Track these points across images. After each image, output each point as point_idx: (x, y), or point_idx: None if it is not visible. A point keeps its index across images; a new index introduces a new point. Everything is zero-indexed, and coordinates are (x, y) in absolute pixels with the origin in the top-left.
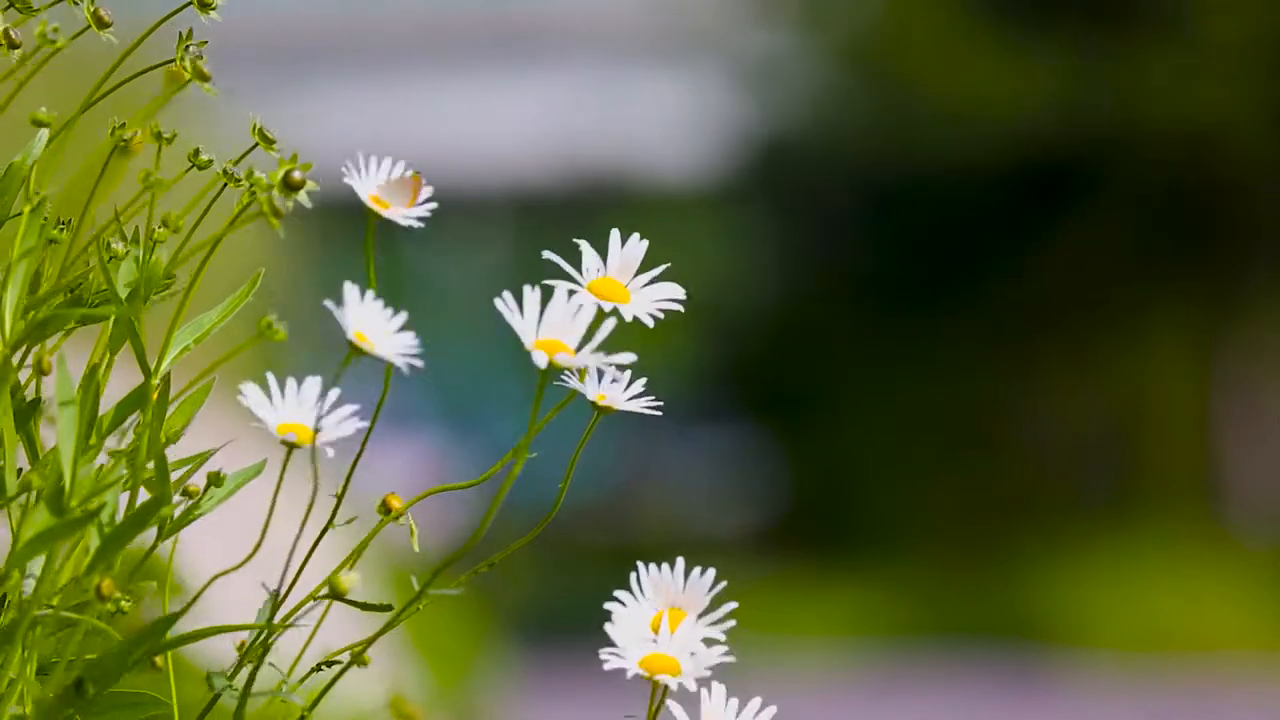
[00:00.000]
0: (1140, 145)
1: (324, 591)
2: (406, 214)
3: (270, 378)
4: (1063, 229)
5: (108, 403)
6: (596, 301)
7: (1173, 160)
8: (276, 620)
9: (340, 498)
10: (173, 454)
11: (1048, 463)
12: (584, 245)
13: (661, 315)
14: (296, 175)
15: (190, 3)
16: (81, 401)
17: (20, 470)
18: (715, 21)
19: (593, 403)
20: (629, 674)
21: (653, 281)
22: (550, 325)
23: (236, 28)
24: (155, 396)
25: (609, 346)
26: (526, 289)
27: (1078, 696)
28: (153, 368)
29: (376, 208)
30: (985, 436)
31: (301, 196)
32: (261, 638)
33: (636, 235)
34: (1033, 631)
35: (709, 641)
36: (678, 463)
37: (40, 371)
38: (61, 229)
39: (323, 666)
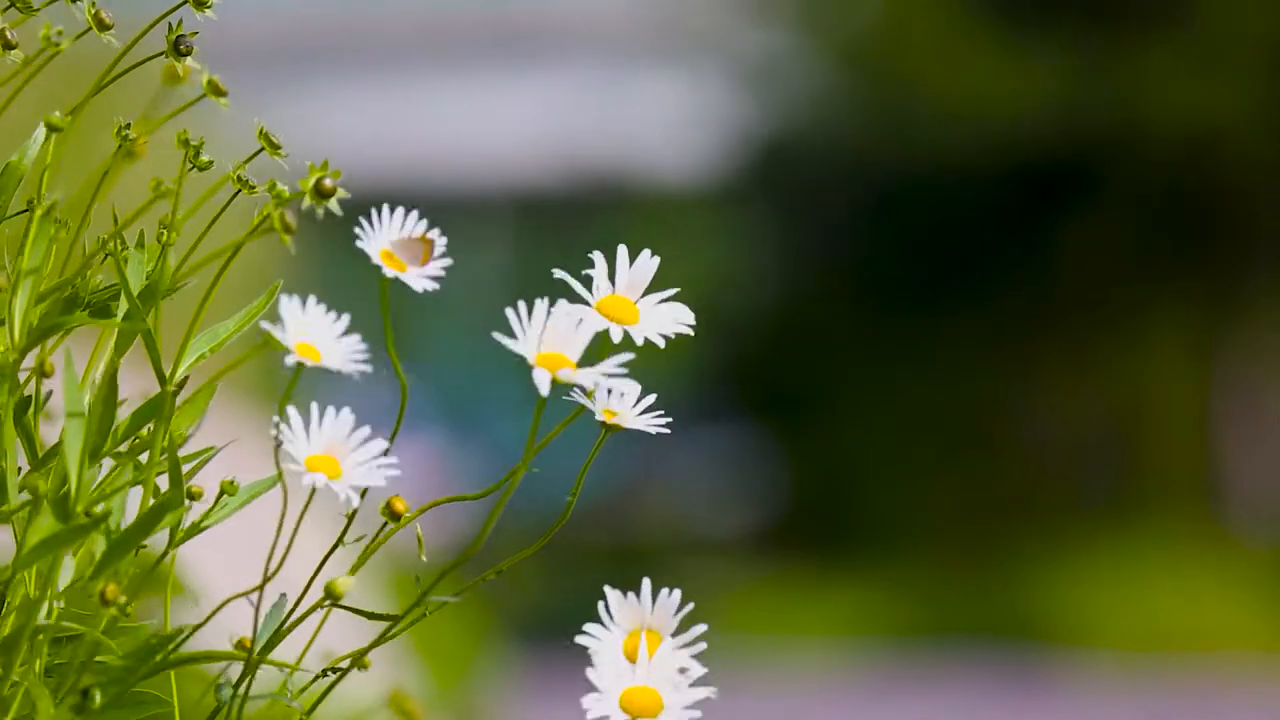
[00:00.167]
0: (1140, 145)
1: (323, 596)
2: (420, 274)
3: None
4: (1063, 229)
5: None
6: (606, 324)
7: (1173, 160)
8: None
9: (351, 518)
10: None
11: (1048, 463)
12: (597, 260)
13: (671, 337)
14: (328, 183)
15: (185, 1)
16: (95, 408)
17: (20, 470)
18: (715, 21)
19: (601, 421)
20: None
21: (664, 301)
22: (552, 338)
23: (237, 28)
24: (169, 403)
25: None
26: (524, 304)
27: (1078, 696)
28: (167, 374)
29: (388, 269)
30: (985, 436)
31: (332, 204)
32: (265, 644)
33: (648, 252)
34: (1033, 631)
35: (685, 670)
36: (678, 463)
37: (42, 374)
38: (59, 228)
39: (327, 673)
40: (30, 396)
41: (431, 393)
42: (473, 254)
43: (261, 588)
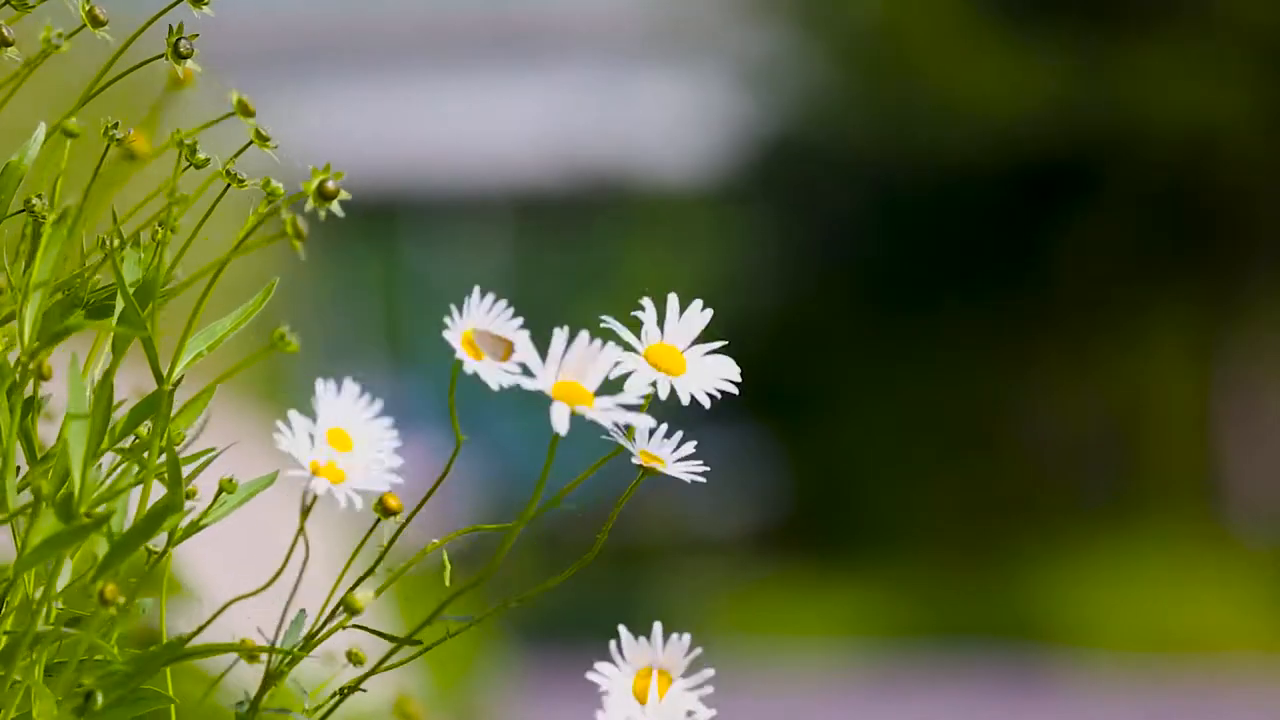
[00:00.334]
0: (1141, 145)
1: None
2: (495, 368)
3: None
4: (1063, 229)
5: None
6: (655, 375)
7: (1173, 160)
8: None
9: (386, 549)
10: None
11: (1048, 463)
12: (647, 306)
13: (717, 395)
14: (331, 185)
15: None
16: (93, 408)
17: (19, 470)
18: (715, 21)
19: (640, 465)
20: None
21: (710, 354)
22: (569, 368)
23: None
24: (167, 403)
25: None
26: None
27: (1078, 696)
28: (165, 374)
29: (465, 355)
30: (985, 436)
31: (334, 206)
32: (281, 660)
33: (700, 303)
34: (1033, 631)
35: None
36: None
37: (40, 375)
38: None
39: (343, 692)
40: (29, 397)
41: (431, 393)
42: (473, 254)
43: (266, 588)
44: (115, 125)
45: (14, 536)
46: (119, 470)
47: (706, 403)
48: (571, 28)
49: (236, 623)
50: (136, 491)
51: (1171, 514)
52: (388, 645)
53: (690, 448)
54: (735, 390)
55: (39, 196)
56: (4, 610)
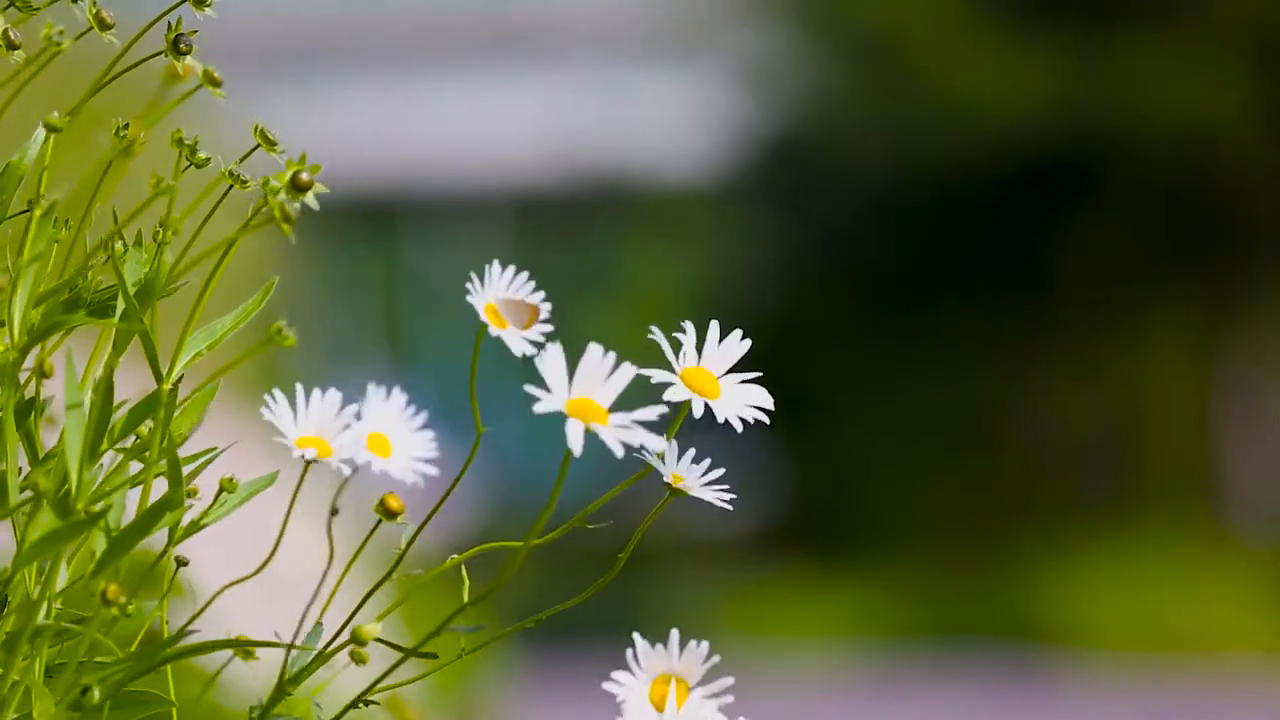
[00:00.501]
0: (1141, 145)
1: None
2: (520, 335)
3: (282, 391)
4: (1063, 228)
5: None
6: (689, 395)
7: (1174, 160)
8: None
9: (400, 557)
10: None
11: (1048, 463)
12: (688, 330)
13: (751, 421)
14: (304, 176)
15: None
16: (93, 406)
17: (20, 470)
18: (715, 21)
19: (667, 484)
20: None
21: (745, 382)
22: (582, 384)
23: (237, 27)
24: (167, 401)
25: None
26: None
27: (1078, 696)
28: (164, 372)
29: (490, 323)
30: (985, 436)
31: (309, 199)
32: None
33: (739, 333)
34: (1033, 631)
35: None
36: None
37: (42, 374)
38: (59, 227)
39: (361, 704)
40: (32, 399)
41: (431, 392)
42: (473, 254)
43: (256, 574)
44: (126, 125)
45: (14, 534)
46: (117, 466)
47: (740, 426)
48: (571, 28)
49: (239, 624)
50: (137, 493)
51: (1171, 514)
52: (386, 644)
53: (718, 473)
54: (767, 419)
55: (41, 196)
56: (4, 608)
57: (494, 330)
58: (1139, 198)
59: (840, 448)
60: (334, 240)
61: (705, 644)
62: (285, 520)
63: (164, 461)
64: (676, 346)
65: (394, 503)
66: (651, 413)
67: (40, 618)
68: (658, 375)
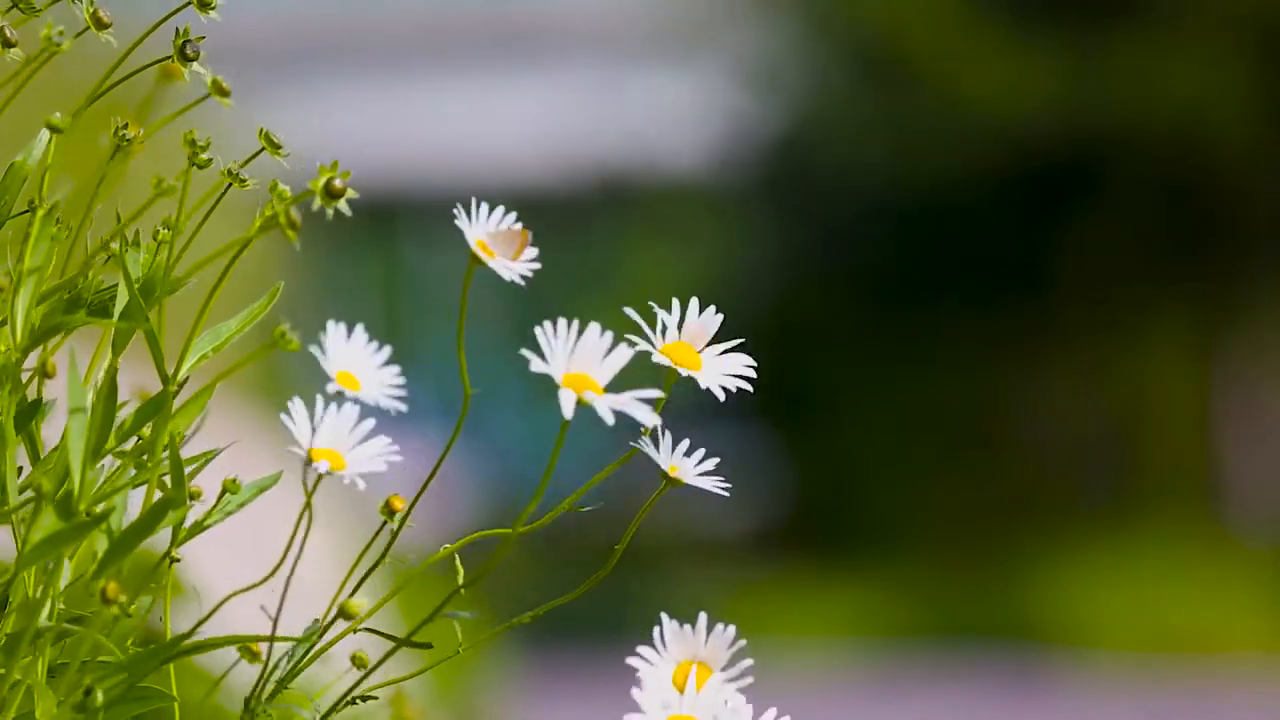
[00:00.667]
0: (1141, 145)
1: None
2: (510, 266)
3: (280, 391)
4: (1064, 228)
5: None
6: (669, 363)
7: (1174, 160)
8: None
9: (389, 545)
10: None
11: (1048, 463)
12: (661, 310)
13: (733, 389)
14: (338, 184)
15: (190, 2)
16: (95, 407)
17: (20, 470)
18: (716, 20)
19: (663, 473)
20: None
21: (726, 352)
22: (579, 359)
23: (238, 28)
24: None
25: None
26: (551, 326)
27: (1078, 696)
28: (170, 375)
29: (481, 254)
30: (985, 436)
31: (341, 205)
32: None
33: (713, 308)
34: (1033, 631)
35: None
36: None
37: (44, 374)
38: (60, 227)
39: (356, 701)
40: (34, 400)
41: (431, 392)
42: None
43: (264, 582)
44: (125, 125)
45: (14, 535)
46: (118, 468)
47: (722, 396)
48: (571, 28)
49: (239, 622)
50: (139, 494)
51: (1171, 514)
52: (389, 644)
53: (713, 463)
54: (750, 386)
55: (43, 197)
56: (6, 609)
57: (484, 257)
58: (1139, 198)
59: (840, 448)
60: (334, 240)
61: (732, 628)
62: (295, 529)
63: (167, 462)
64: (653, 322)
65: (398, 504)
66: (650, 392)
67: (42, 619)
68: (639, 346)
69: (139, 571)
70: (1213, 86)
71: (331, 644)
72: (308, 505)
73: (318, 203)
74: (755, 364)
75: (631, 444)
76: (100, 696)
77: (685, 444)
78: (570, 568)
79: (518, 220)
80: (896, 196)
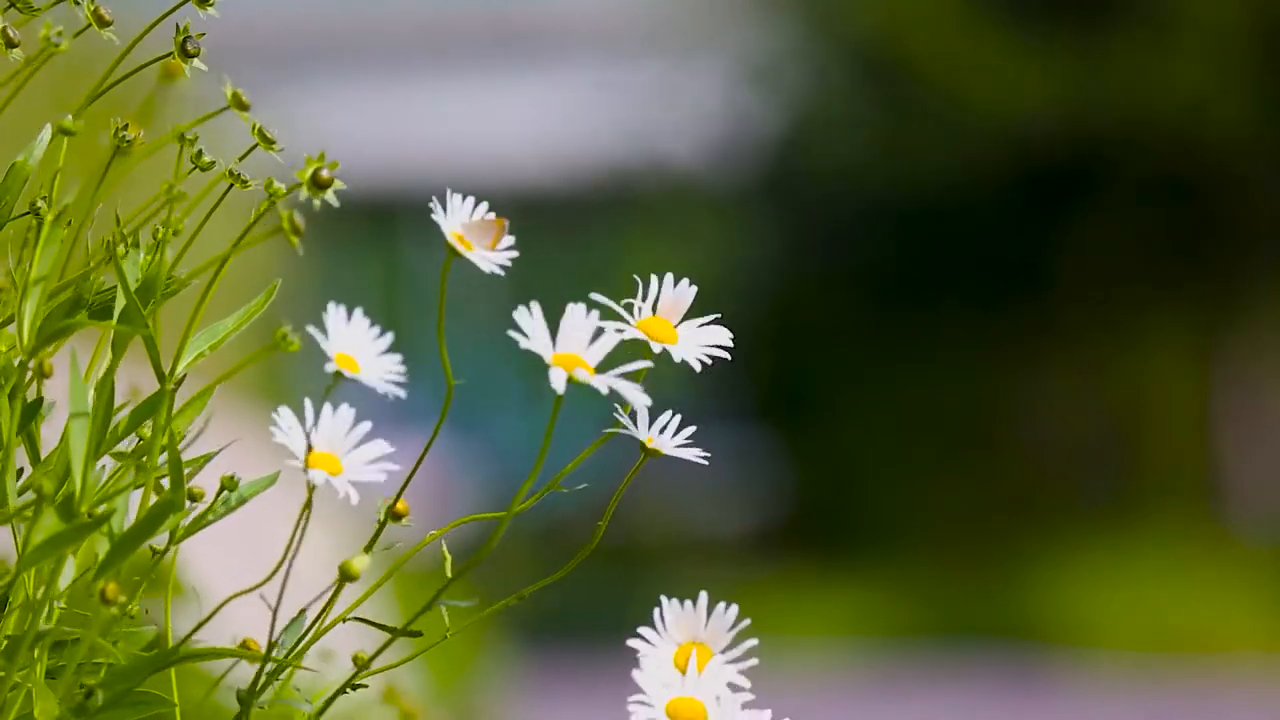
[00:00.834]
0: (1141, 145)
1: (345, 601)
2: (488, 257)
3: (281, 391)
4: (1064, 228)
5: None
6: (645, 337)
7: (1174, 161)
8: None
9: (379, 531)
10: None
11: (1048, 463)
12: (637, 284)
13: (709, 361)
14: (325, 174)
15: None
16: (95, 407)
17: (20, 471)
18: (716, 20)
19: (642, 444)
20: None
21: (703, 325)
22: (566, 340)
23: (238, 27)
24: (169, 402)
25: (620, 360)
26: (536, 307)
27: (1078, 696)
28: (166, 374)
29: (459, 246)
30: (985, 436)
31: (329, 196)
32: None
33: (686, 280)
34: (1033, 631)
35: (734, 686)
36: (679, 462)
37: (42, 374)
38: (66, 231)
39: (348, 689)
40: (35, 400)
41: (431, 392)
42: None
43: (264, 584)
44: (125, 126)
45: (14, 537)
46: (120, 469)
47: (698, 367)
48: (571, 28)
49: (239, 623)
50: (139, 494)
51: (1171, 514)
52: (384, 638)
53: (690, 430)
54: (727, 355)
55: (44, 199)
56: (6, 610)
57: (461, 250)
58: (1139, 198)
59: (840, 448)
60: (334, 240)
61: (734, 608)
62: (295, 530)
63: (165, 463)
64: (629, 306)
65: (399, 505)
66: (636, 365)
67: (42, 621)
68: (612, 323)
69: (137, 571)
70: (1213, 86)
71: (325, 630)
72: (307, 505)
73: (304, 194)
74: (742, 356)
75: (615, 418)
76: (100, 698)
77: (665, 416)
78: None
79: (490, 210)
80: (896, 196)
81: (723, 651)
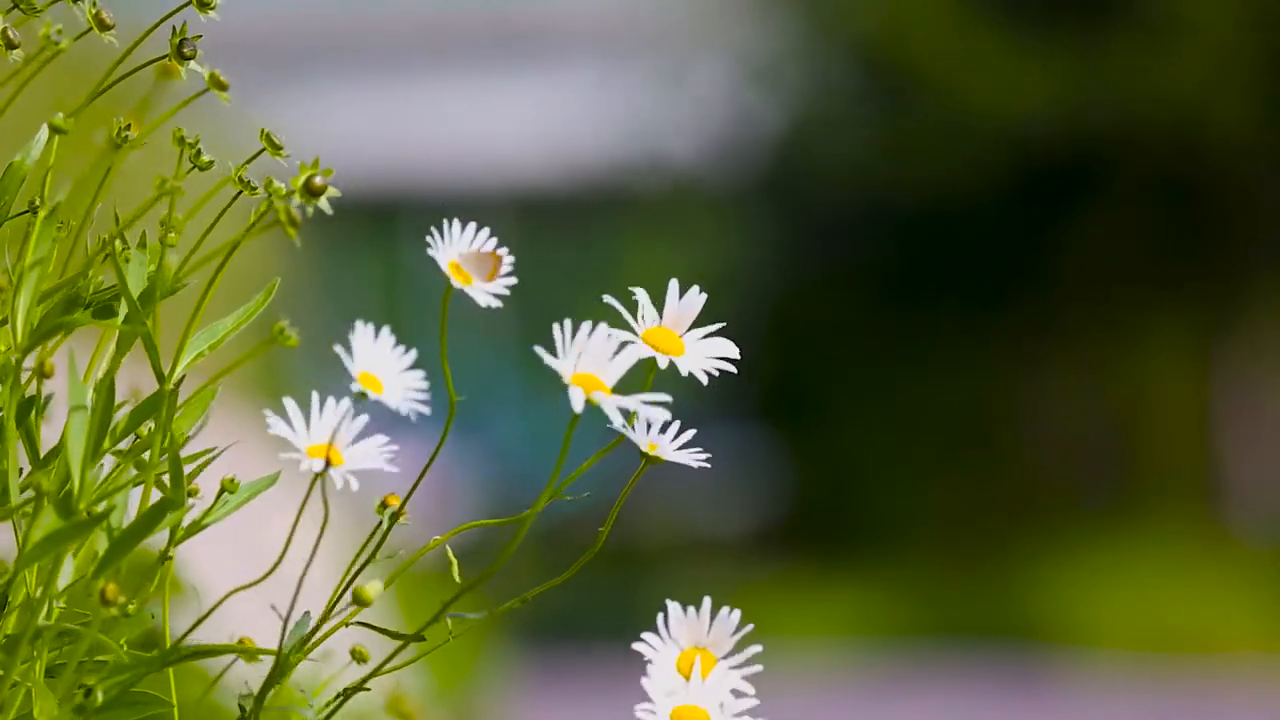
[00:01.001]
0: (1141, 146)
1: (347, 602)
2: (485, 288)
3: (283, 392)
4: (1064, 228)
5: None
6: (651, 352)
7: (1174, 161)
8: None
9: (383, 536)
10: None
11: (1048, 463)
12: (641, 294)
13: (715, 373)
14: (319, 181)
15: (189, 2)
16: (95, 406)
17: (21, 470)
18: (716, 20)
19: (643, 452)
20: None
21: (708, 335)
22: (588, 359)
23: (238, 27)
24: (169, 402)
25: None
26: (569, 324)
27: (1078, 696)
28: (166, 372)
29: (455, 279)
30: (985, 436)
31: (322, 203)
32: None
33: (695, 288)
34: (1033, 631)
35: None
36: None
37: (42, 374)
38: (60, 228)
39: (348, 692)
40: (32, 397)
41: (430, 392)
42: None
43: (261, 581)
44: (128, 126)
45: (15, 534)
46: (119, 467)
47: (704, 379)
48: (571, 28)
49: (238, 622)
50: (138, 493)
51: (1171, 514)
52: (386, 642)
53: (691, 433)
54: (732, 367)
55: (45, 198)
56: (5, 609)
57: (457, 284)
58: (1139, 198)
59: (840, 448)
60: (334, 240)
61: (737, 613)
62: (293, 527)
63: (165, 461)
64: (635, 310)
65: (393, 500)
66: (657, 396)
67: (41, 618)
68: (618, 334)
69: (137, 571)
70: (1212, 86)
71: (327, 635)
72: (307, 502)
73: (297, 199)
74: (742, 356)
75: (609, 427)
76: (100, 697)
77: (664, 420)
78: (567, 568)
79: (491, 236)
80: (897, 196)
81: (726, 657)
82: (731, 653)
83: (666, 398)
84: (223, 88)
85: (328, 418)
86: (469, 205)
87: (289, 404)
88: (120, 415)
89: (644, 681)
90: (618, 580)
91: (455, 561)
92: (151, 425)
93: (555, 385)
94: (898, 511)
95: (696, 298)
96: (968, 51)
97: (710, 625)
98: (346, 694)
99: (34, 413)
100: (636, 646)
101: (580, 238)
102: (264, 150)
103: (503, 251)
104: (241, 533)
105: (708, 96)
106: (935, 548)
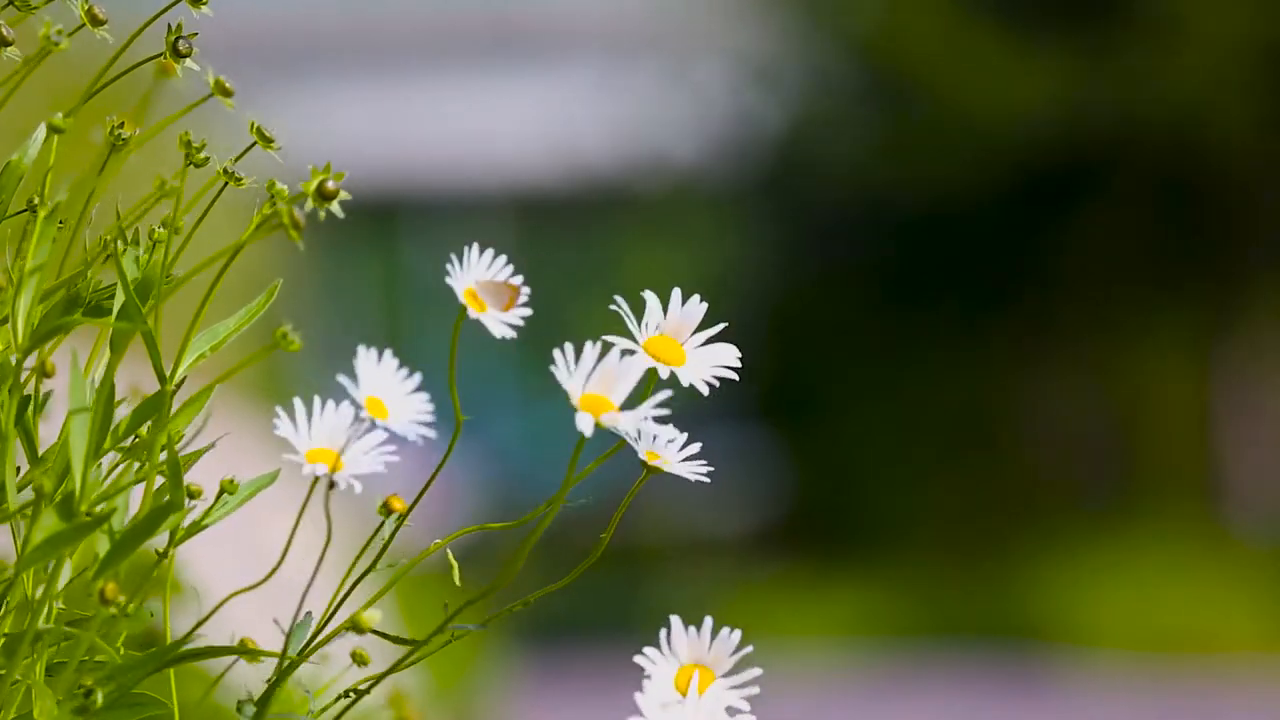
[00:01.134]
0: (1141, 146)
1: (347, 603)
2: (500, 319)
3: (283, 392)
4: (1064, 229)
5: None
6: (653, 363)
7: (1174, 161)
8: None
9: (386, 545)
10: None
11: (1048, 463)
12: (652, 300)
13: (716, 383)
14: (330, 185)
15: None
16: (95, 406)
17: (19, 469)
18: (716, 21)
19: (643, 462)
20: None
21: (709, 342)
22: (596, 379)
23: (237, 27)
24: (170, 403)
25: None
26: (587, 346)
27: (1078, 696)
28: (167, 374)
29: (471, 308)
30: (985, 436)
31: (334, 206)
32: (285, 665)
33: (697, 297)
34: (1033, 631)
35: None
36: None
37: (43, 373)
38: (59, 226)
39: (350, 694)
40: (30, 396)
41: (431, 393)
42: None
43: (262, 584)
44: (121, 125)
45: (13, 536)
46: (120, 469)
47: (705, 390)
48: (571, 28)
49: (238, 623)
50: (138, 493)
51: (1171, 514)
52: (386, 642)
53: (695, 447)
54: (734, 375)
55: (44, 198)
56: (4, 609)
57: (473, 313)
58: (1139, 199)
59: (840, 448)
60: (334, 240)
61: (738, 633)
62: (294, 529)
63: (165, 461)
64: (640, 315)
65: (397, 504)
66: (662, 394)
67: (41, 619)
68: (621, 343)
69: (137, 571)
70: (1212, 87)
71: (328, 639)
72: (308, 504)
73: (309, 204)
74: (742, 357)
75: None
76: (100, 699)
77: (666, 430)
78: (566, 568)
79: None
80: (896, 196)
81: (724, 676)
82: (731, 672)
83: (667, 408)
84: (228, 94)
85: (329, 421)
86: (469, 205)
87: (298, 406)
88: (121, 416)
89: (637, 697)
90: (618, 580)
91: (456, 565)
92: (151, 426)
93: (555, 386)
94: (898, 511)
95: (698, 307)
96: (967, 52)
97: (711, 643)
98: (352, 697)
99: (32, 411)
100: (638, 660)
101: (580, 238)
102: (255, 144)
103: (518, 280)
104: (242, 533)
105: (708, 96)
106: (935, 548)
